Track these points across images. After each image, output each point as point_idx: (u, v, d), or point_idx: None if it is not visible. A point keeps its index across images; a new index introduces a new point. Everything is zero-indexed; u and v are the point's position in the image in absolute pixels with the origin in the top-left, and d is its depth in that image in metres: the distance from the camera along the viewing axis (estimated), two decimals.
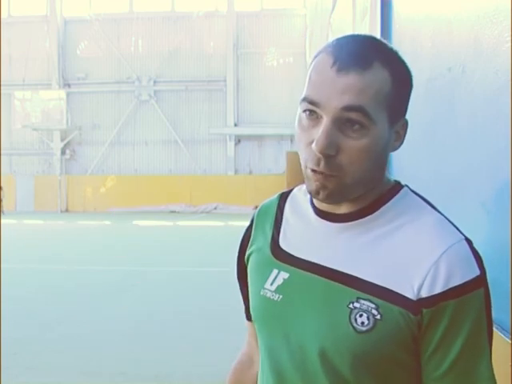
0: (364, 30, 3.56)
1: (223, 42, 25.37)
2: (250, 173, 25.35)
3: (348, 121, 0.83)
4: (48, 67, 25.80)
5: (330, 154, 0.83)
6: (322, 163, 0.84)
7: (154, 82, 25.74)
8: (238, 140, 25.41)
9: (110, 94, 25.81)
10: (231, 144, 25.30)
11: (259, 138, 24.98)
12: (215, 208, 24.51)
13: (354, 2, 5.02)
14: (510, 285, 1.12)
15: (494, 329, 1.16)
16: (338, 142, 0.83)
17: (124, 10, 25.90)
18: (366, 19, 3.66)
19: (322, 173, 0.85)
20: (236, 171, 25.42)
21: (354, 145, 0.83)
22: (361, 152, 0.84)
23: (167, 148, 25.80)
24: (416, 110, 1.97)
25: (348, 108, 0.82)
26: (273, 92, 24.46)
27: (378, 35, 2.63)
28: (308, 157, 0.86)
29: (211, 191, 24.42)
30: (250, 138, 25.13)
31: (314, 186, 0.87)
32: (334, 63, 0.83)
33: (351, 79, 0.82)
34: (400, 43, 2.30)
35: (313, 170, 0.86)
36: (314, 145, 0.83)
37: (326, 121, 0.83)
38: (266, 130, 24.32)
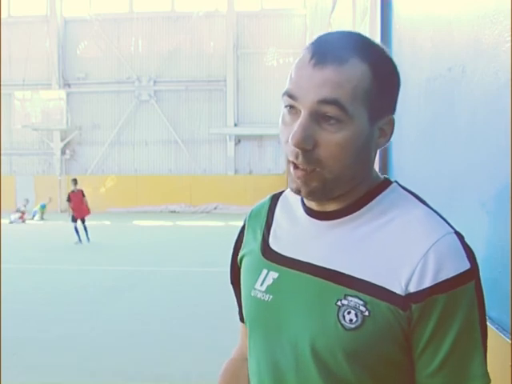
0: (364, 30, 3.56)
1: (223, 42, 25.36)
2: (250, 173, 25.34)
3: (324, 114, 0.83)
4: (48, 67, 25.78)
5: (306, 148, 0.83)
6: (300, 157, 0.84)
7: (154, 82, 25.73)
8: (238, 140, 25.40)
9: (110, 94, 25.80)
10: (231, 144, 25.30)
11: (259, 138, 24.97)
12: (215, 208, 24.50)
13: (354, 2, 5.02)
14: (509, 285, 1.11)
15: (494, 329, 1.16)
16: (315, 136, 0.83)
17: (124, 10, 25.88)
18: (366, 19, 3.66)
19: (303, 170, 0.85)
20: (236, 171, 25.41)
21: (330, 138, 0.83)
22: (337, 146, 0.83)
23: (167, 148, 25.79)
24: (416, 110, 1.97)
25: (324, 101, 0.82)
26: (273, 92, 24.41)
27: (378, 35, 2.63)
28: (288, 151, 0.87)
29: (211, 191, 24.40)
30: (249, 138, 25.11)
31: (295, 183, 0.88)
32: (312, 58, 0.84)
33: (327, 73, 0.82)
34: (400, 43, 2.30)
35: (294, 167, 0.86)
36: (290, 138, 0.84)
37: (302, 114, 0.84)
38: (266, 130, 24.29)
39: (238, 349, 1.17)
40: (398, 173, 2.27)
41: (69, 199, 13.77)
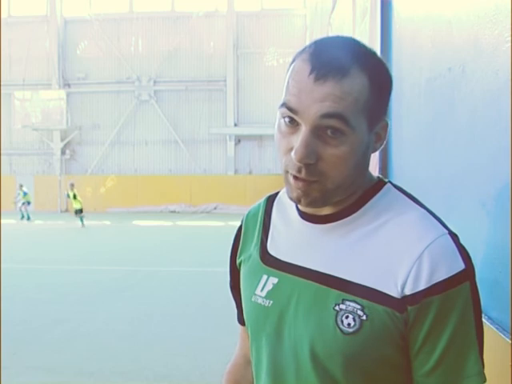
0: (364, 30, 3.56)
1: (223, 42, 25.37)
2: (250, 173, 25.35)
3: (327, 128, 0.82)
4: (48, 67, 25.79)
5: (309, 163, 0.83)
6: (303, 171, 0.84)
7: (154, 82, 25.74)
8: (238, 140, 25.40)
9: (110, 94, 25.80)
10: (231, 144, 25.30)
11: (259, 138, 24.97)
12: (215, 208, 24.51)
13: (354, 2, 5.01)
14: (510, 285, 1.11)
15: (494, 329, 1.16)
16: (318, 150, 0.83)
17: (124, 10, 25.89)
18: (366, 19, 3.65)
19: (304, 180, 0.85)
20: (236, 171, 25.41)
21: (333, 152, 0.83)
22: (340, 159, 0.83)
23: (167, 148, 25.79)
24: (416, 110, 1.97)
25: (327, 115, 0.81)
26: (273, 92, 24.42)
27: (377, 35, 2.63)
28: (288, 163, 0.86)
29: (211, 191, 24.41)
30: (250, 138, 25.12)
31: (295, 193, 0.87)
32: (312, 71, 0.82)
33: (329, 88, 0.81)
34: (400, 43, 2.30)
35: (295, 178, 0.85)
36: (293, 154, 0.83)
37: (304, 130, 0.83)
38: (266, 130, 24.30)
39: (239, 351, 1.18)
40: (398, 173, 2.27)
41: None
